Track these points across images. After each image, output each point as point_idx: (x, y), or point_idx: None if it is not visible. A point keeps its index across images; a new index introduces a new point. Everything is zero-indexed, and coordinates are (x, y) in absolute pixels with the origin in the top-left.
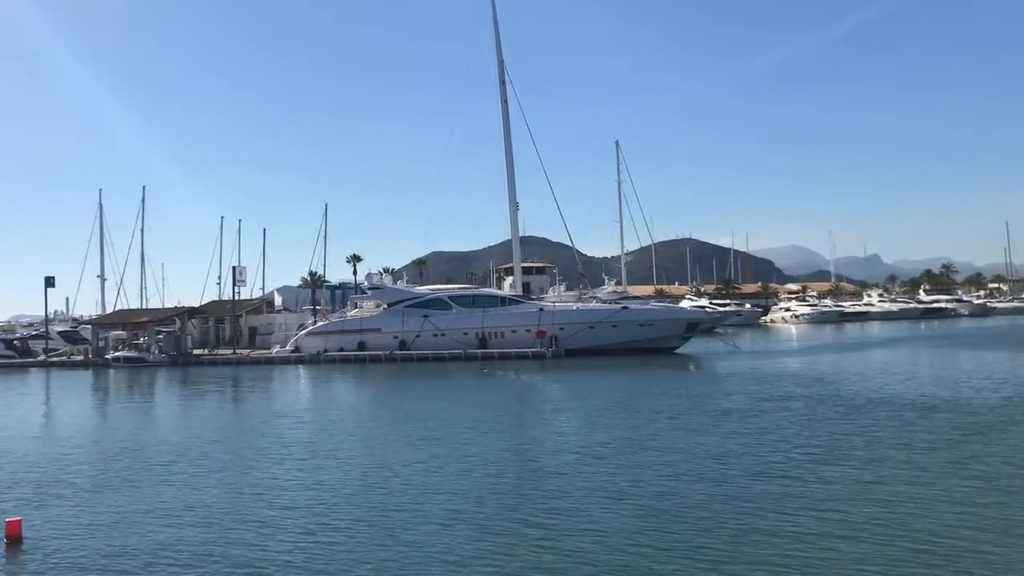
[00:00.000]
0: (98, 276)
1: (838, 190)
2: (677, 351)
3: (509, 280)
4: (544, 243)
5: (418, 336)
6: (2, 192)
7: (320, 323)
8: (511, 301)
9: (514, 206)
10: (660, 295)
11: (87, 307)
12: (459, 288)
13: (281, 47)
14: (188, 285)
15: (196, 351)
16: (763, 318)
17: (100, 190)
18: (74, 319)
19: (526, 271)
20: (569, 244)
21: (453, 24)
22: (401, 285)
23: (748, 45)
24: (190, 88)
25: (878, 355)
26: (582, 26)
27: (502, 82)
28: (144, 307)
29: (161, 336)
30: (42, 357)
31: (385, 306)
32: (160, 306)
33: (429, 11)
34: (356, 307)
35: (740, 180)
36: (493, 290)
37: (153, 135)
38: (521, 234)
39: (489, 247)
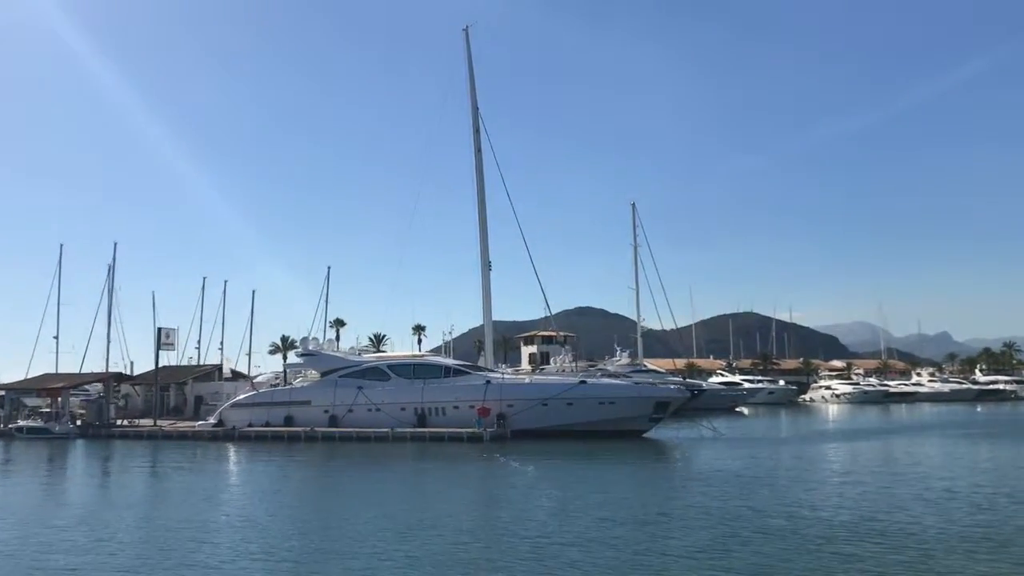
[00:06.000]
0: (53, 337)
1: (906, 266)
2: (646, 435)
3: (529, 349)
4: (602, 314)
5: (350, 411)
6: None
7: (248, 394)
8: (456, 372)
9: (486, 266)
10: (690, 369)
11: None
12: (405, 356)
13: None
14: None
15: (122, 421)
16: (801, 396)
17: (61, 246)
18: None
19: (546, 340)
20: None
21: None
22: (333, 351)
23: (804, 119)
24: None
25: (893, 447)
26: (637, 98)
27: (476, 130)
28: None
29: (82, 404)
30: None
31: (319, 375)
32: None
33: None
34: (300, 375)
35: (807, 255)
36: (438, 359)
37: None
38: (578, 305)
39: (547, 316)
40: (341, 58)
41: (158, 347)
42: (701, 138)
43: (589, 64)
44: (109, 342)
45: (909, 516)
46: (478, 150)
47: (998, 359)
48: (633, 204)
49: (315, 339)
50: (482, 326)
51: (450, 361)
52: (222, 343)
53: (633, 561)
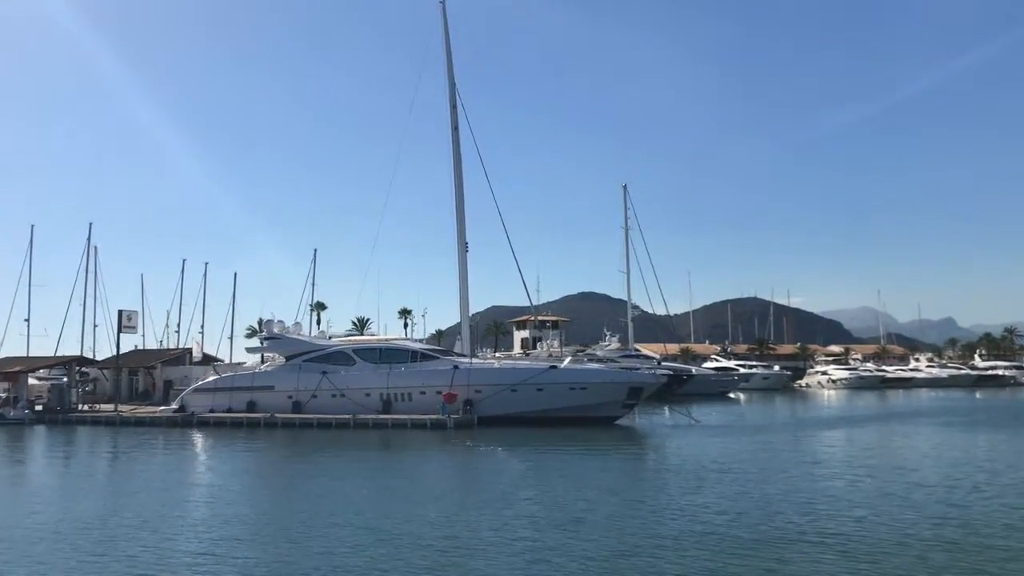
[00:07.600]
0: (24, 320)
1: (911, 252)
2: (618, 422)
3: (521, 334)
4: (605, 298)
5: (314, 396)
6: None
7: (210, 378)
8: (423, 356)
9: (463, 247)
10: (685, 354)
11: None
12: (372, 340)
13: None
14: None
15: (83, 406)
16: (797, 382)
17: (32, 226)
18: None
19: (539, 325)
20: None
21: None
22: (299, 333)
23: (809, 105)
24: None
25: (877, 435)
26: (642, 87)
27: (453, 106)
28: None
29: (51, 389)
30: None
31: (283, 360)
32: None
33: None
34: (268, 359)
35: (813, 241)
36: (405, 342)
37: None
38: (581, 290)
39: (551, 301)
40: (333, 34)
41: (119, 330)
42: (703, 124)
43: (591, 48)
44: (95, 326)
45: (871, 513)
46: (455, 127)
47: (998, 344)
48: (624, 186)
49: (280, 322)
50: (477, 311)
51: (417, 345)
52: (203, 326)
53: (530, 570)
